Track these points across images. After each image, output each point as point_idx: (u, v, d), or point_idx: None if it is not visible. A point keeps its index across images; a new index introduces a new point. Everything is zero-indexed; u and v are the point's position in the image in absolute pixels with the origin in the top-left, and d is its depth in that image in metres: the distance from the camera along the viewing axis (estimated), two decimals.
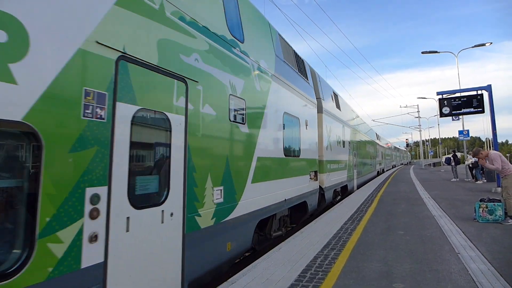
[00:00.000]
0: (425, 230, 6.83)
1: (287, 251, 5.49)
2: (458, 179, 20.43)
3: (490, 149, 8.85)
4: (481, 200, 7.62)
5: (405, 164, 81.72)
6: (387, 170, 42.57)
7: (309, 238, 6.41)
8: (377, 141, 34.93)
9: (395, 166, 57.57)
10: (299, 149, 8.36)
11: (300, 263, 4.83)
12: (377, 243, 5.87)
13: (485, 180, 18.01)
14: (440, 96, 15.70)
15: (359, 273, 4.36)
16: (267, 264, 4.82)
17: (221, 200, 4.71)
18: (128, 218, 3.10)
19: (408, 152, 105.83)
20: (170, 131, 3.75)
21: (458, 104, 15.09)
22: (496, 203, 7.44)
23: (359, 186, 18.25)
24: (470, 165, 19.77)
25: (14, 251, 2.34)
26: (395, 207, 10.17)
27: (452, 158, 22.10)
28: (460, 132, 26.38)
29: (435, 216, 8.35)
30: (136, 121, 3.26)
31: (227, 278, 4.48)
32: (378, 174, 32.71)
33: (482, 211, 7.48)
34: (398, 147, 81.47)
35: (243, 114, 5.51)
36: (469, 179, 19.59)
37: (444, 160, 24.42)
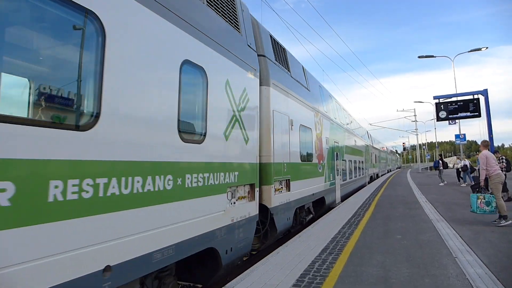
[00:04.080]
0: (423, 234, 6.85)
1: (285, 255, 5.48)
2: (446, 183, 20.64)
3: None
4: (477, 191, 7.76)
5: (395, 169, 71.09)
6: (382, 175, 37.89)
7: (307, 242, 6.40)
8: (369, 142, 28.78)
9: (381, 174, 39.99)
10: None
11: (298, 268, 4.83)
12: (375, 248, 5.87)
13: (469, 183, 18.29)
14: (436, 100, 15.84)
15: (357, 278, 4.36)
16: (265, 269, 4.81)
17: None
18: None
19: (398, 156, 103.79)
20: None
21: (454, 108, 15.23)
22: (492, 195, 7.61)
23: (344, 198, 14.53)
24: (459, 169, 20.27)
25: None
26: (393, 211, 10.19)
27: (440, 162, 22.30)
28: (457, 136, 26.56)
29: (432, 220, 8.38)
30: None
31: (225, 283, 4.47)
32: (372, 179, 28.21)
33: (480, 202, 7.58)
34: (392, 149, 76.93)
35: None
36: (463, 183, 19.76)
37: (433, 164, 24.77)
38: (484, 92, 14.56)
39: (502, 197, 7.84)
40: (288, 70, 8.46)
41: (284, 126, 7.54)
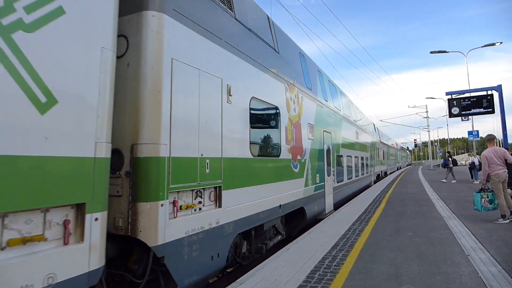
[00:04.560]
0: (434, 231, 6.78)
1: (295, 252, 5.50)
2: (445, 181, 20.88)
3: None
4: (480, 191, 7.80)
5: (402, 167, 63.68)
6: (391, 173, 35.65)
7: (317, 238, 6.41)
8: (376, 136, 25.69)
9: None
10: None
11: (308, 264, 4.84)
12: (385, 245, 5.85)
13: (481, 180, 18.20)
14: (449, 96, 15.57)
15: (368, 274, 4.35)
16: (276, 265, 4.84)
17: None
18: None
19: (408, 153, 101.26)
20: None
21: (467, 104, 14.96)
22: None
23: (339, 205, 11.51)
24: (469, 166, 20.89)
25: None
26: (404, 208, 10.10)
27: (449, 159, 22.38)
28: (470, 133, 26.09)
29: (444, 217, 8.28)
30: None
31: (235, 278, 4.51)
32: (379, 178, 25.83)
33: (484, 201, 7.64)
34: (403, 146, 75.08)
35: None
36: (475, 181, 19.58)
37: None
38: (498, 88, 14.26)
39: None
40: (230, 9, 5.35)
41: (209, 94, 4.47)
